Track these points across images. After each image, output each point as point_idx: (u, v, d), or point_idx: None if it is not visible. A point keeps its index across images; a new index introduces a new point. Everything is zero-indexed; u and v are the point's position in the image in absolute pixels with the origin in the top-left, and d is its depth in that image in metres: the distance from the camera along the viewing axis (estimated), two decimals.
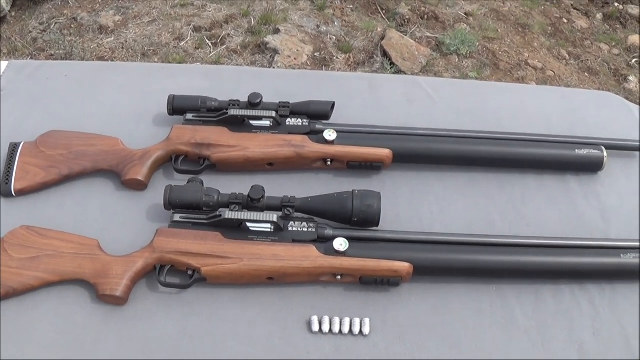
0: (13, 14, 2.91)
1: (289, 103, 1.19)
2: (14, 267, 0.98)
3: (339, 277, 0.99)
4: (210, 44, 2.82)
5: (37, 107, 1.29)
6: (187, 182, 1.05)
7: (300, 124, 1.18)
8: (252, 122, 1.17)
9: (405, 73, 2.73)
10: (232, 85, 1.34)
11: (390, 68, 2.77)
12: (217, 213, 1.00)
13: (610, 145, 1.23)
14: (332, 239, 0.99)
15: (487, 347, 0.97)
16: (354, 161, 1.15)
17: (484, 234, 1.07)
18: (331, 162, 1.16)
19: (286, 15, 2.99)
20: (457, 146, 1.19)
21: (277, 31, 2.88)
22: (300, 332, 0.97)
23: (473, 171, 1.21)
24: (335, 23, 3.03)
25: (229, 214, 0.98)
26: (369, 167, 1.16)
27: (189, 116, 1.20)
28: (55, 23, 2.86)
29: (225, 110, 1.17)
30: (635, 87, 2.88)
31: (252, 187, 1.01)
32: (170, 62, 2.65)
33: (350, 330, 0.96)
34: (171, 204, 1.03)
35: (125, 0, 3.02)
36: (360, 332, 0.96)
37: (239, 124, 1.17)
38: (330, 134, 1.14)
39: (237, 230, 1.00)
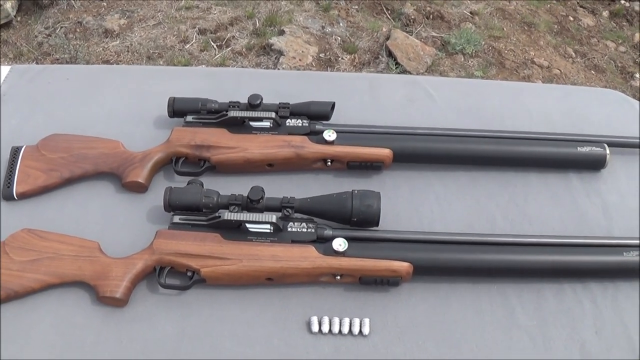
0: (19, 18, 2.93)
1: (288, 104, 1.19)
2: (14, 270, 0.98)
3: (339, 277, 0.99)
4: (215, 46, 2.83)
5: (39, 111, 1.30)
6: (187, 184, 1.06)
7: (300, 124, 1.18)
8: (252, 123, 1.17)
9: (410, 73, 2.73)
10: (232, 87, 1.34)
11: (396, 68, 2.77)
12: (217, 214, 1.00)
13: (613, 142, 1.22)
14: (331, 239, 0.99)
15: (487, 347, 0.96)
16: (354, 161, 1.15)
17: (484, 233, 1.07)
18: (331, 162, 1.16)
19: (291, 16, 2.99)
20: (457, 145, 1.18)
21: (282, 32, 2.89)
22: (300, 333, 0.96)
23: (474, 170, 1.21)
24: (340, 24, 3.03)
25: (228, 215, 0.99)
26: (369, 167, 1.16)
27: (189, 118, 1.20)
28: (61, 27, 2.88)
29: (225, 112, 1.17)
30: None
31: (251, 188, 1.01)
32: (175, 65, 2.65)
33: (350, 331, 0.96)
34: (171, 206, 1.03)
35: (131, 3, 3.03)
36: (360, 332, 0.96)
37: (239, 126, 1.17)
38: (329, 135, 1.14)
39: (236, 231, 1.00)
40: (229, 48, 2.82)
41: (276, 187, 1.10)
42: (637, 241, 1.04)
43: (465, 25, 3.07)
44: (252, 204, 1.00)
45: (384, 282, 0.98)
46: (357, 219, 1.01)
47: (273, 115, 1.16)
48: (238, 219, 0.98)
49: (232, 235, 1.00)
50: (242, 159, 1.14)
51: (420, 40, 2.93)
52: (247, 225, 0.99)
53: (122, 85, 1.38)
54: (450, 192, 1.18)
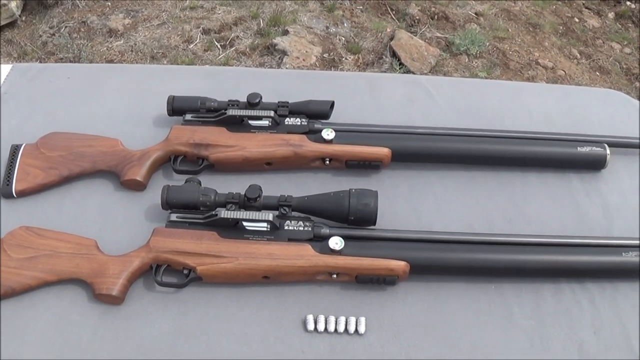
0: (23, 18, 2.94)
1: (287, 103, 1.19)
2: (12, 267, 0.98)
3: (335, 276, 0.98)
4: (219, 46, 2.84)
5: (39, 109, 1.30)
6: (185, 182, 1.06)
7: (299, 123, 1.18)
8: (250, 122, 1.17)
9: (414, 73, 2.72)
10: (233, 87, 1.34)
11: (399, 69, 2.76)
12: (213, 212, 1.00)
13: (613, 142, 1.21)
14: (328, 237, 0.99)
15: (484, 347, 0.96)
16: (353, 160, 1.15)
17: (482, 232, 1.06)
18: (330, 161, 1.15)
19: (295, 16, 3.00)
20: (456, 144, 1.18)
21: (286, 33, 2.89)
22: (296, 331, 0.96)
23: (473, 170, 1.20)
24: (345, 24, 3.03)
25: (224, 213, 0.99)
26: (368, 166, 1.16)
27: (188, 117, 1.20)
28: (65, 27, 2.89)
29: (224, 111, 1.17)
30: None
31: (249, 186, 1.01)
32: (179, 65, 2.66)
33: (346, 329, 0.96)
34: (168, 204, 1.03)
35: (135, 3, 3.04)
36: (356, 331, 0.96)
37: (238, 124, 1.17)
38: (328, 133, 1.14)
39: (233, 229, 1.00)
40: (233, 48, 2.82)
41: (274, 186, 1.10)
42: (636, 241, 1.04)
43: (470, 26, 3.06)
44: (249, 202, 1.00)
45: (381, 281, 0.98)
46: (354, 217, 1.00)
47: (272, 114, 1.16)
48: (235, 217, 0.98)
49: (229, 234, 1.00)
50: (241, 158, 1.14)
51: (425, 41, 2.92)
52: (244, 223, 0.99)
53: (123, 84, 1.38)
54: (449, 192, 1.17)
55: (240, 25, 2.95)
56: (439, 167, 1.20)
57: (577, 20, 3.23)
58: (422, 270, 1.00)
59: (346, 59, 2.84)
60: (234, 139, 1.15)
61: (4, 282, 0.97)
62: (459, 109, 1.34)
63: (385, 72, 2.75)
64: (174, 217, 1.03)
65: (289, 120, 1.18)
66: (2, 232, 1.04)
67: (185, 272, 0.99)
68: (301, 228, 1.00)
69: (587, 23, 3.20)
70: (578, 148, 1.18)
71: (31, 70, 1.41)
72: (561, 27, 3.16)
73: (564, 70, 2.87)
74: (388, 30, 2.99)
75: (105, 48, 2.79)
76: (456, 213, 1.14)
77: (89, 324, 0.97)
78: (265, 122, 1.17)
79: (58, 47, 2.77)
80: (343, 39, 2.94)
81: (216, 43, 2.85)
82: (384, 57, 2.85)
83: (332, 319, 0.97)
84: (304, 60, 2.75)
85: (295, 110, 1.19)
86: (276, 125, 1.17)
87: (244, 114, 1.16)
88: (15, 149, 1.16)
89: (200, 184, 1.05)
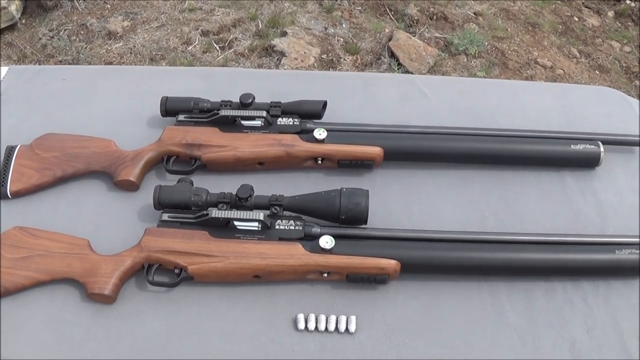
0: (23, 21, 2.96)
1: (280, 103, 1.19)
2: (6, 267, 0.99)
3: (326, 274, 0.98)
4: (217, 48, 2.84)
5: (35, 111, 1.31)
6: (177, 182, 1.06)
7: (291, 123, 1.18)
8: (243, 122, 1.17)
9: (412, 74, 2.72)
10: (228, 87, 1.34)
11: (398, 69, 2.76)
12: (205, 212, 1.00)
13: (608, 140, 1.21)
14: (318, 236, 0.99)
15: (476, 346, 0.96)
16: (345, 160, 1.15)
17: (474, 231, 1.06)
18: (322, 161, 1.16)
19: (294, 18, 3.00)
20: (448, 143, 1.18)
21: (284, 34, 2.89)
22: (286, 330, 0.96)
23: (466, 168, 1.20)
24: (343, 25, 3.03)
25: (215, 213, 0.99)
26: (360, 165, 1.16)
27: (181, 117, 1.21)
28: (65, 29, 2.90)
29: (216, 111, 1.18)
30: None
31: (240, 186, 1.01)
32: (177, 66, 2.66)
33: (336, 328, 0.96)
34: (160, 204, 1.04)
35: (134, 5, 3.05)
36: (347, 330, 0.96)
37: (231, 125, 1.18)
38: (320, 133, 1.14)
39: (224, 229, 1.01)
40: (232, 49, 2.83)
41: (267, 186, 1.11)
42: (629, 239, 1.04)
43: (469, 25, 3.06)
44: (240, 202, 1.00)
45: (372, 279, 0.98)
46: (345, 216, 1.01)
47: (264, 114, 1.16)
48: (225, 216, 0.99)
49: (220, 233, 1.00)
50: (233, 158, 1.14)
51: (424, 41, 2.92)
52: (235, 223, 1.00)
53: (119, 85, 1.39)
54: (441, 191, 1.17)
55: (239, 26, 2.96)
56: (432, 166, 1.20)
57: (576, 19, 3.22)
58: (413, 269, 1.00)
59: (345, 59, 2.84)
60: (226, 139, 1.15)
61: None
62: (453, 108, 1.34)
63: (383, 72, 2.75)
64: (165, 216, 1.04)
65: (282, 120, 1.18)
66: None
67: (177, 271, 0.99)
68: (292, 227, 1.01)
69: (587, 22, 3.20)
70: (572, 146, 1.18)
71: (27, 72, 1.42)
72: (560, 26, 3.16)
73: (563, 70, 2.87)
74: (386, 30, 3.00)
75: (104, 50, 2.80)
76: (448, 212, 1.14)
77: (82, 323, 0.97)
78: (257, 122, 1.17)
79: (57, 50, 2.78)
80: (341, 39, 2.95)
81: (215, 45, 2.85)
82: (382, 57, 2.85)
83: (322, 317, 0.97)
84: (302, 61, 2.75)
85: (287, 110, 1.19)
86: (269, 126, 1.18)
87: (237, 114, 1.16)
88: (10, 150, 1.17)
89: (192, 184, 1.06)
